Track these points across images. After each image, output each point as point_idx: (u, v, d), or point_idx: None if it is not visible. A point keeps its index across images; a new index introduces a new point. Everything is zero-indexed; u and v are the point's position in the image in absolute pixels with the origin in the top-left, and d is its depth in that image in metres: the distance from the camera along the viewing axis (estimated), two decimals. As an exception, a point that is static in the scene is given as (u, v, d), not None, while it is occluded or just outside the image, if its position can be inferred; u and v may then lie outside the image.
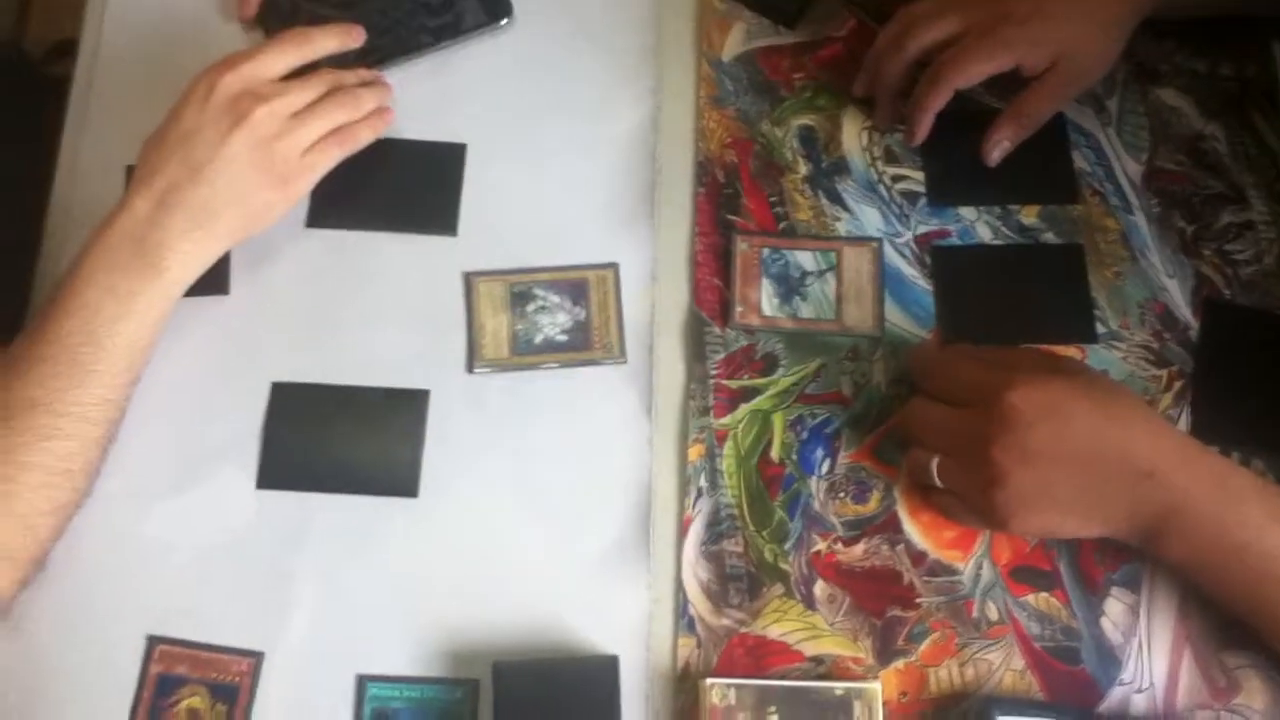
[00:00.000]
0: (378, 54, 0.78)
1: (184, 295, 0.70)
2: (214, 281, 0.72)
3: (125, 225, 0.67)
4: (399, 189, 0.76)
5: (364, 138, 0.74)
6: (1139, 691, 0.64)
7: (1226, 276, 0.74)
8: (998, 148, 0.75)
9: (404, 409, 0.71)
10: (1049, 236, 0.75)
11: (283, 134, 0.70)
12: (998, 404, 0.62)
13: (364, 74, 0.76)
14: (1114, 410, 0.62)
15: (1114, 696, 0.64)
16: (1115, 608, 0.66)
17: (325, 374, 0.72)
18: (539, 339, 0.73)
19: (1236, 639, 0.64)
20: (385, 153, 0.76)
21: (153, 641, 0.67)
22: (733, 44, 0.80)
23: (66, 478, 0.65)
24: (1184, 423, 0.70)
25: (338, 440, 0.71)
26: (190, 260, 0.68)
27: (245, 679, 0.66)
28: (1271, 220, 0.75)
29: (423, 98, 0.78)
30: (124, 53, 0.81)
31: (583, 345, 0.73)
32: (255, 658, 0.66)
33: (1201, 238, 0.75)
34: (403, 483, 0.70)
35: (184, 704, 0.66)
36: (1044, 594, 0.67)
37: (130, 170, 0.75)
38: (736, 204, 0.76)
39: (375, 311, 0.74)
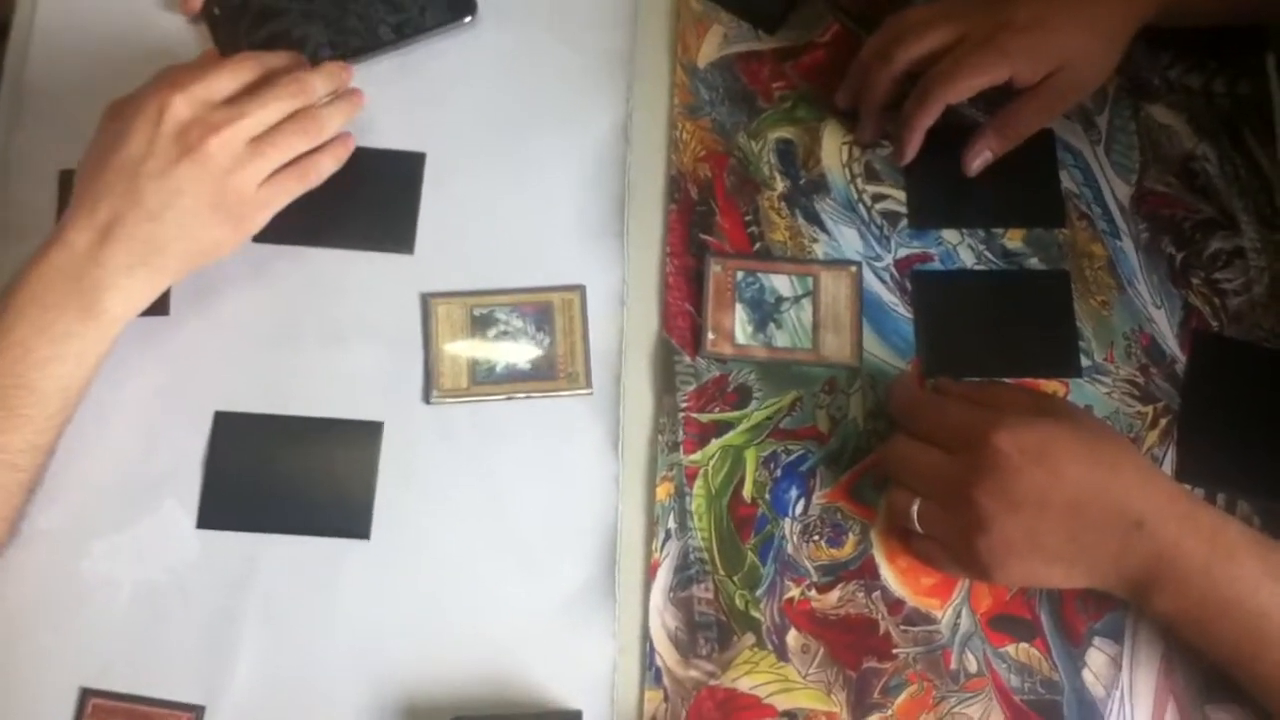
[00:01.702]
0: (335, 51, 0.73)
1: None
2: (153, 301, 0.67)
3: (61, 260, 0.61)
4: (352, 202, 0.71)
5: (325, 169, 0.68)
6: (1121, 747, 0.63)
7: (1215, 307, 0.71)
8: (979, 158, 0.71)
9: (356, 442, 0.67)
10: (1034, 262, 0.72)
11: (236, 167, 0.64)
12: (983, 447, 0.59)
13: (332, 70, 0.69)
14: (1103, 455, 0.60)
15: (1095, 752, 0.63)
16: (1097, 659, 0.64)
17: (272, 403, 0.68)
18: (501, 367, 0.69)
19: (1221, 692, 0.62)
20: None
21: (86, 694, 0.63)
22: (709, 49, 0.76)
23: None
24: (1169, 462, 0.68)
25: (285, 475, 0.67)
26: (131, 299, 0.63)
27: (186, 731, 0.62)
28: (1262, 247, 0.73)
29: (381, 102, 0.72)
30: (60, 42, 0.75)
31: (547, 375, 0.69)
32: (196, 712, 0.63)
33: (1190, 265, 0.72)
34: (354, 523, 0.66)
35: (128, 762, 0.62)
36: (1024, 644, 0.64)
37: (65, 175, 0.70)
38: (710, 222, 0.72)
39: (326, 335, 0.69)
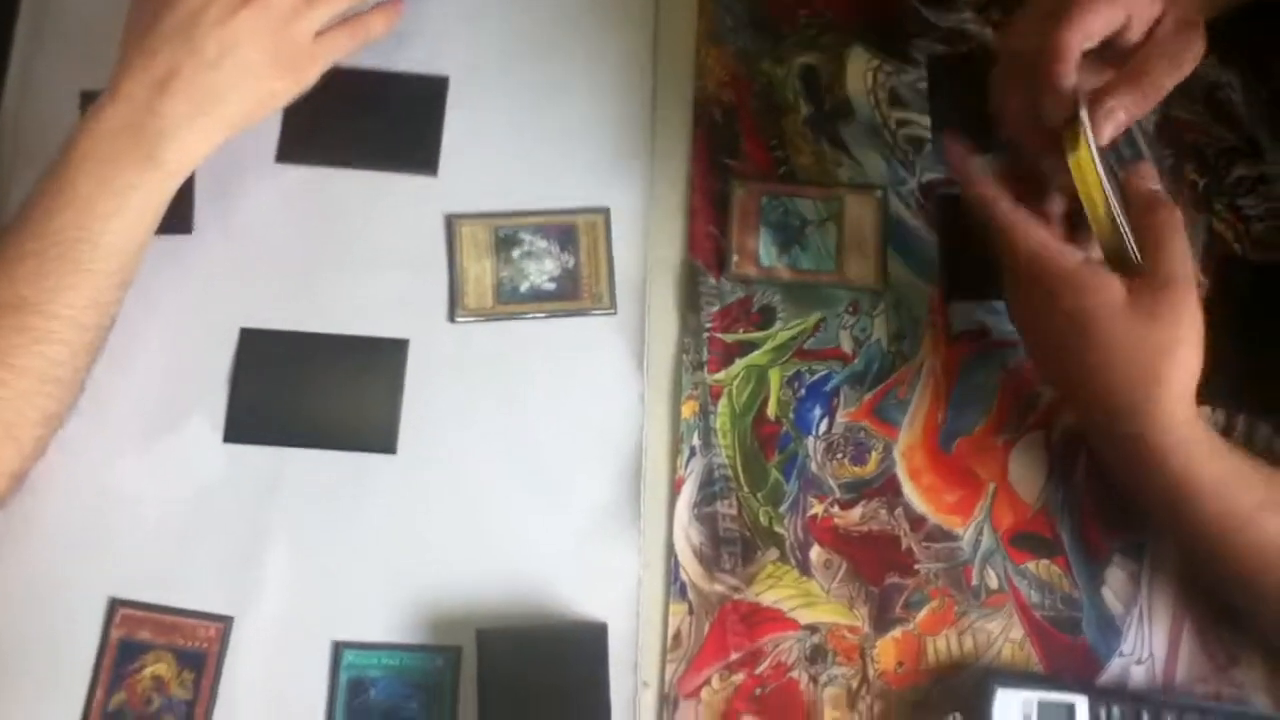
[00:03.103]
0: None
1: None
2: (176, 219, 0.67)
3: (121, 113, 0.61)
4: (377, 123, 0.71)
5: (376, 30, 0.68)
6: (1138, 663, 0.63)
7: (1238, 232, 0.71)
8: (1111, 120, 0.60)
9: (382, 359, 0.68)
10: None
11: (293, 17, 0.64)
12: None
13: None
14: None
15: (1113, 668, 0.63)
16: (1116, 577, 0.65)
17: (297, 320, 0.68)
18: (525, 287, 0.69)
19: (1237, 612, 0.63)
20: (363, 84, 0.71)
21: (115, 604, 0.63)
22: (733, -26, 0.76)
23: (57, 386, 0.60)
24: (1191, 385, 0.68)
25: (311, 392, 0.67)
26: (191, 150, 0.63)
27: (213, 645, 0.63)
28: (1285, 174, 0.73)
29: (405, 27, 0.72)
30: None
31: (571, 294, 0.69)
32: (224, 623, 0.63)
33: (1213, 191, 0.72)
34: (381, 438, 0.66)
35: (148, 671, 0.63)
36: (1045, 561, 0.65)
37: (86, 96, 0.70)
38: (734, 146, 0.72)
39: (350, 254, 0.70)
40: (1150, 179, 0.63)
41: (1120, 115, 0.60)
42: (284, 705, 0.63)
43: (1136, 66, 0.61)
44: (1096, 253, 0.61)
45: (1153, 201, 0.61)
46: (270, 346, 0.68)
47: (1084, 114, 0.59)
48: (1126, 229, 0.60)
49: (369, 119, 0.71)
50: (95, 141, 0.61)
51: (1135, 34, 0.62)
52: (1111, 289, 0.58)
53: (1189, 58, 0.62)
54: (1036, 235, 0.60)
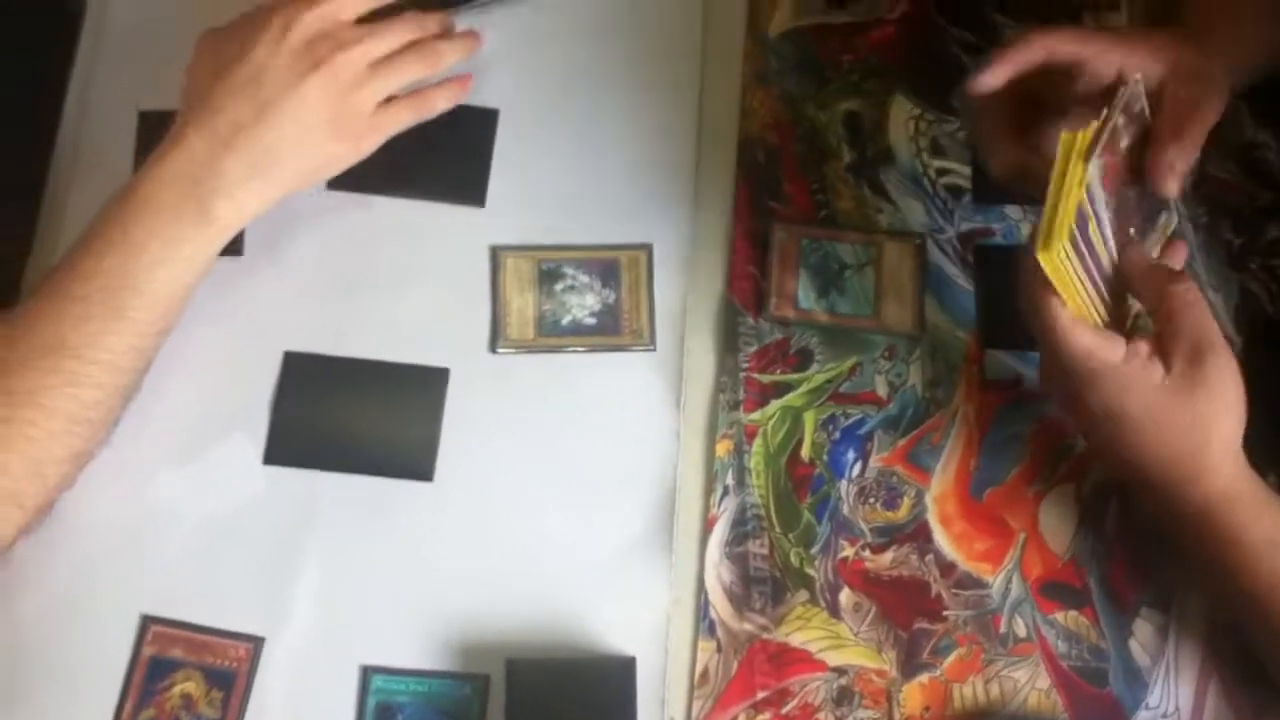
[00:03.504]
0: (417, 4, 0.74)
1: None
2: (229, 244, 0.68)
3: (180, 165, 0.62)
4: (427, 154, 0.72)
5: (439, 106, 0.69)
6: (1164, 716, 0.63)
7: (1271, 292, 0.72)
8: (1171, 176, 0.61)
9: (422, 387, 0.68)
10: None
11: (359, 85, 0.65)
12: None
13: (446, 20, 0.71)
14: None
15: (1139, 721, 0.63)
16: (1144, 629, 0.65)
17: (340, 345, 0.69)
18: (566, 320, 0.70)
19: (1265, 667, 0.63)
20: None
21: (147, 621, 0.64)
22: (781, 19, 0.77)
23: (87, 426, 0.61)
24: (1222, 443, 0.69)
25: (351, 416, 0.68)
26: (244, 209, 0.64)
27: (243, 665, 0.63)
28: (1320, 236, 0.73)
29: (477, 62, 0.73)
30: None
31: (612, 330, 0.70)
32: (255, 643, 0.64)
33: (1248, 251, 0.73)
34: (418, 465, 0.67)
35: (177, 689, 0.63)
36: (1073, 612, 0.65)
37: (145, 117, 0.71)
38: (777, 189, 0.73)
39: (396, 282, 0.71)
40: (1179, 252, 0.63)
41: (1178, 167, 0.61)
42: (311, 727, 0.63)
43: (1167, 119, 0.62)
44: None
45: (1160, 277, 0.60)
46: (312, 370, 0.68)
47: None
48: (1104, 301, 0.60)
49: (419, 149, 0.72)
50: (153, 188, 0.62)
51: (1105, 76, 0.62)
52: (1153, 376, 0.58)
53: (1210, 115, 0.62)
54: (1083, 338, 0.58)
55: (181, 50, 0.67)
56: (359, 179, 0.71)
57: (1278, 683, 0.62)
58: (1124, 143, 0.60)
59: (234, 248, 0.69)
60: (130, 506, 0.66)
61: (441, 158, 0.72)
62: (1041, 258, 0.55)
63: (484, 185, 0.72)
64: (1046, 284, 0.57)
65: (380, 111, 0.67)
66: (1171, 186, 0.61)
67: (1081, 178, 0.55)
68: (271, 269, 0.70)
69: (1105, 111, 0.57)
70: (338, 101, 0.64)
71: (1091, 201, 0.56)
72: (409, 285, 0.70)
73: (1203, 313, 0.59)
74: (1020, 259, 0.60)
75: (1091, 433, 0.61)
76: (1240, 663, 0.64)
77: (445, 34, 0.71)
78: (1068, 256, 0.55)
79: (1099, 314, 0.60)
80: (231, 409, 0.68)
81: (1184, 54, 0.63)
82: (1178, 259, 0.63)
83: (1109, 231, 0.59)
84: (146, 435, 0.67)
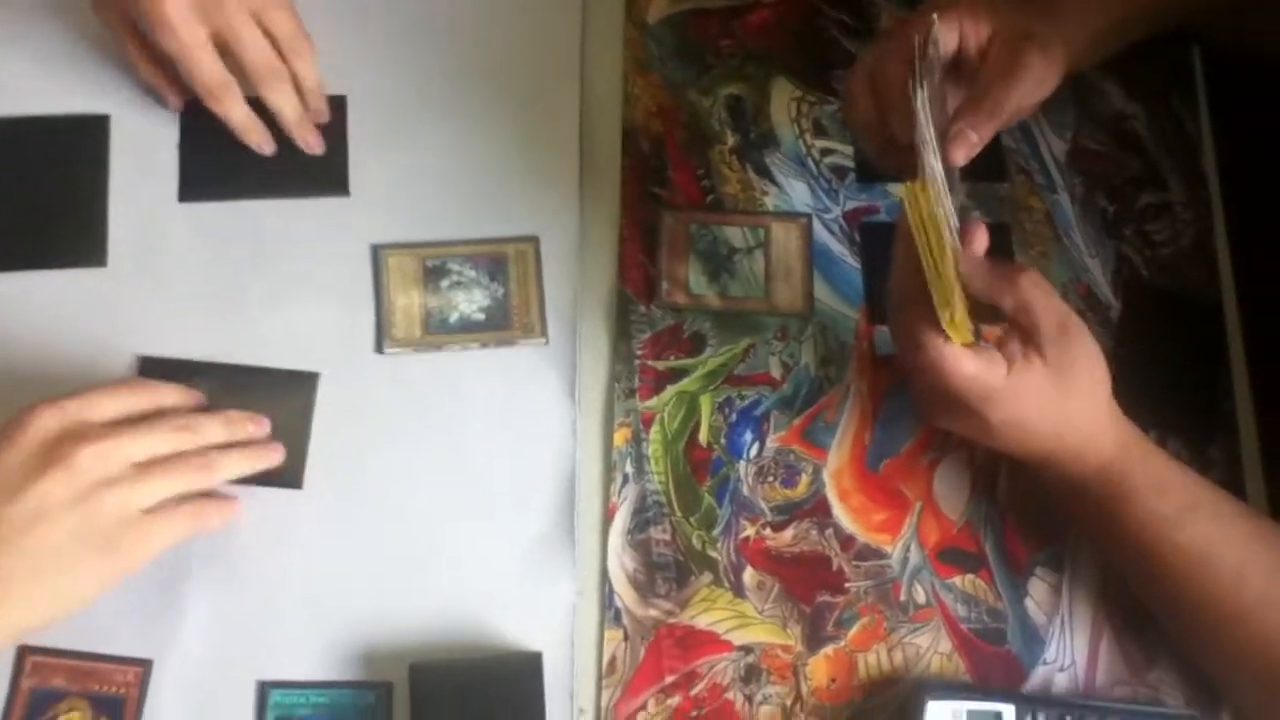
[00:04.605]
0: None
1: (58, 267, 0.65)
2: (90, 251, 0.67)
3: None
4: (280, 150, 0.70)
5: (213, 524, 0.60)
6: (1061, 670, 0.65)
7: (1145, 257, 0.74)
8: (961, 142, 0.60)
9: (289, 393, 0.67)
10: (976, 214, 0.74)
11: (115, 483, 0.55)
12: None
13: (234, 419, 0.62)
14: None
15: (1037, 675, 0.65)
16: (1039, 588, 0.67)
17: (208, 352, 0.67)
18: (454, 318, 0.69)
19: (1152, 618, 0.65)
20: (254, 110, 0.69)
21: (23, 651, 0.61)
22: (659, 5, 0.77)
23: None
24: (1105, 404, 0.71)
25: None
26: None
27: (133, 690, 0.61)
28: (1188, 202, 0.76)
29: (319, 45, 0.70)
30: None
31: (502, 324, 0.69)
32: (143, 666, 0.62)
33: (1122, 218, 0.75)
34: (286, 473, 0.65)
35: (61, 719, 0.61)
36: (970, 575, 0.67)
37: None
38: (663, 176, 0.74)
39: (273, 288, 0.69)
40: (980, 239, 0.61)
41: (970, 136, 0.60)
42: (210, 748, 0.62)
43: (975, 89, 0.63)
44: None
45: (1002, 275, 0.59)
46: (167, 375, 0.65)
47: (926, 155, 0.56)
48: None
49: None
50: None
51: (972, 53, 0.63)
52: (1035, 371, 0.58)
53: (1023, 75, 0.62)
54: (967, 366, 0.58)
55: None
56: (211, 188, 0.69)
57: (1166, 631, 0.64)
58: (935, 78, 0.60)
59: (97, 259, 0.67)
60: None
61: (296, 151, 0.70)
62: (950, 329, 0.56)
63: (344, 172, 0.70)
64: (922, 319, 0.57)
65: (151, 514, 0.56)
66: (958, 155, 0.60)
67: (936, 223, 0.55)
68: (137, 281, 0.68)
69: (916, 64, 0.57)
70: (87, 506, 0.54)
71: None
72: (286, 290, 0.69)
73: (1052, 293, 0.59)
74: (893, 285, 0.61)
75: (995, 441, 0.61)
76: (1131, 615, 0.66)
77: (233, 433, 0.62)
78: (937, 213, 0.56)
79: (963, 305, 0.59)
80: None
81: (1019, 16, 0.64)
82: (980, 242, 0.60)
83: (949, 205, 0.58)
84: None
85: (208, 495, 0.61)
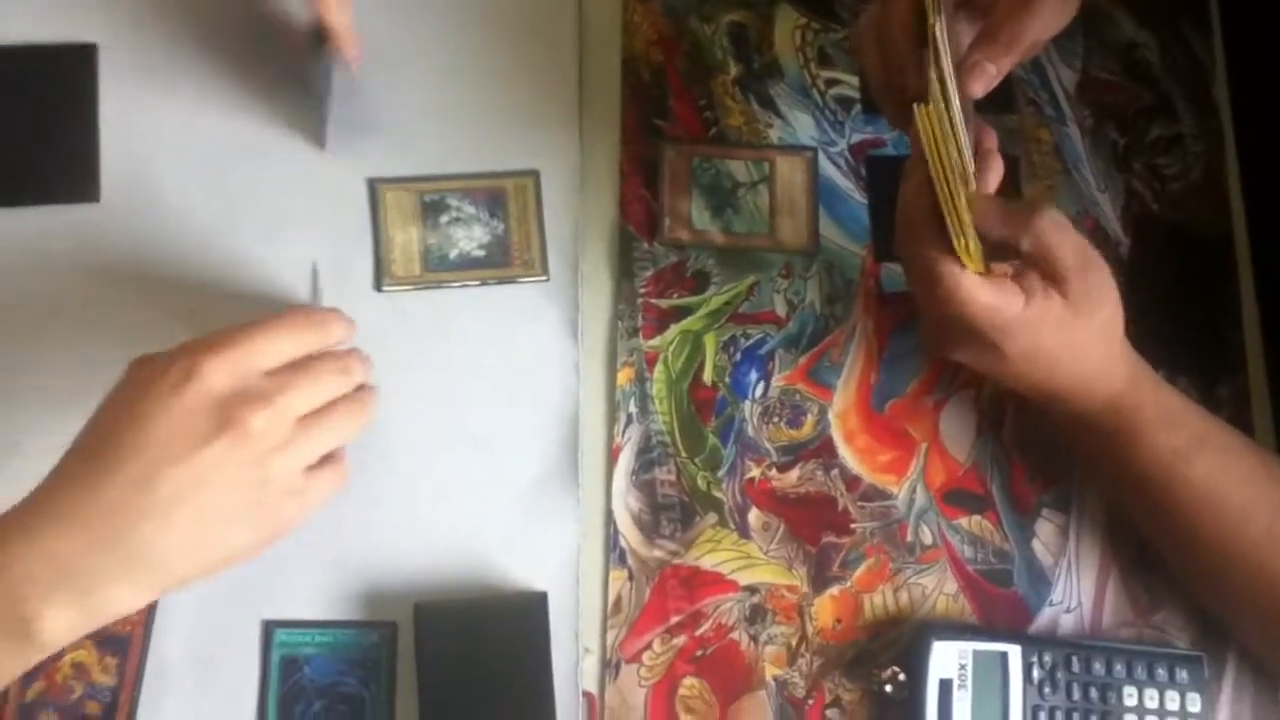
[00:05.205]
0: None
1: (49, 203, 0.63)
2: (83, 186, 0.64)
3: (16, 555, 0.47)
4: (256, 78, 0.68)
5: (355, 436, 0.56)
6: (1067, 611, 0.65)
7: (1155, 191, 0.73)
8: (978, 74, 0.59)
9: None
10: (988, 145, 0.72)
11: (281, 448, 0.51)
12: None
13: (362, 354, 0.58)
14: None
15: (1044, 617, 0.65)
16: (1046, 529, 0.66)
17: (212, 296, 0.65)
18: (454, 254, 0.67)
19: (1158, 558, 0.65)
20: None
21: (31, 591, 0.60)
22: (659, -71, 0.74)
23: None
24: (1112, 341, 0.70)
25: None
26: (79, 627, 0.48)
27: (137, 629, 0.61)
28: (1199, 135, 0.74)
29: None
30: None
31: (502, 262, 0.67)
32: (148, 605, 0.61)
33: (1132, 151, 0.74)
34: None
35: (67, 659, 0.60)
36: (976, 517, 0.66)
37: None
38: (663, 107, 0.71)
39: (269, 226, 0.67)
40: (996, 171, 0.60)
41: (989, 68, 0.59)
42: (214, 687, 0.61)
43: (992, 21, 0.60)
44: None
45: (1020, 214, 0.57)
46: None
47: (944, 82, 0.54)
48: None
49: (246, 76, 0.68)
50: None
51: None
52: (1055, 305, 0.57)
53: (1040, 5, 0.60)
54: (984, 295, 0.56)
55: None
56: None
57: (1171, 569, 0.64)
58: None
59: (90, 193, 0.65)
60: (2, 473, 0.62)
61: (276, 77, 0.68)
62: (965, 257, 0.55)
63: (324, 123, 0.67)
64: (936, 248, 0.56)
65: (307, 484, 0.53)
66: (975, 87, 0.59)
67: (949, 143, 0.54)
68: (131, 218, 0.66)
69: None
70: (254, 473, 0.50)
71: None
72: (283, 227, 0.67)
73: (1070, 229, 0.58)
74: (902, 216, 0.59)
75: (1007, 374, 0.60)
76: (1137, 556, 0.66)
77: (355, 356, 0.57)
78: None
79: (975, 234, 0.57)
80: (99, 364, 0.64)
81: None
82: (995, 174, 0.60)
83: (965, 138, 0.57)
84: (15, 400, 0.63)
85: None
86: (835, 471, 0.66)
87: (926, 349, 0.67)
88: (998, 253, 0.58)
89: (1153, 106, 0.74)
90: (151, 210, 0.66)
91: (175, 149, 0.68)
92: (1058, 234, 0.57)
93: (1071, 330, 0.58)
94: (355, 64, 0.64)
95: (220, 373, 0.50)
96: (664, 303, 0.68)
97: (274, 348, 0.53)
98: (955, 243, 0.55)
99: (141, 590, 0.50)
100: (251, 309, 0.64)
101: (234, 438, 0.50)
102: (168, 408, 0.49)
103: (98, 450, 0.50)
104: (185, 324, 0.63)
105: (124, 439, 0.49)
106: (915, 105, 0.54)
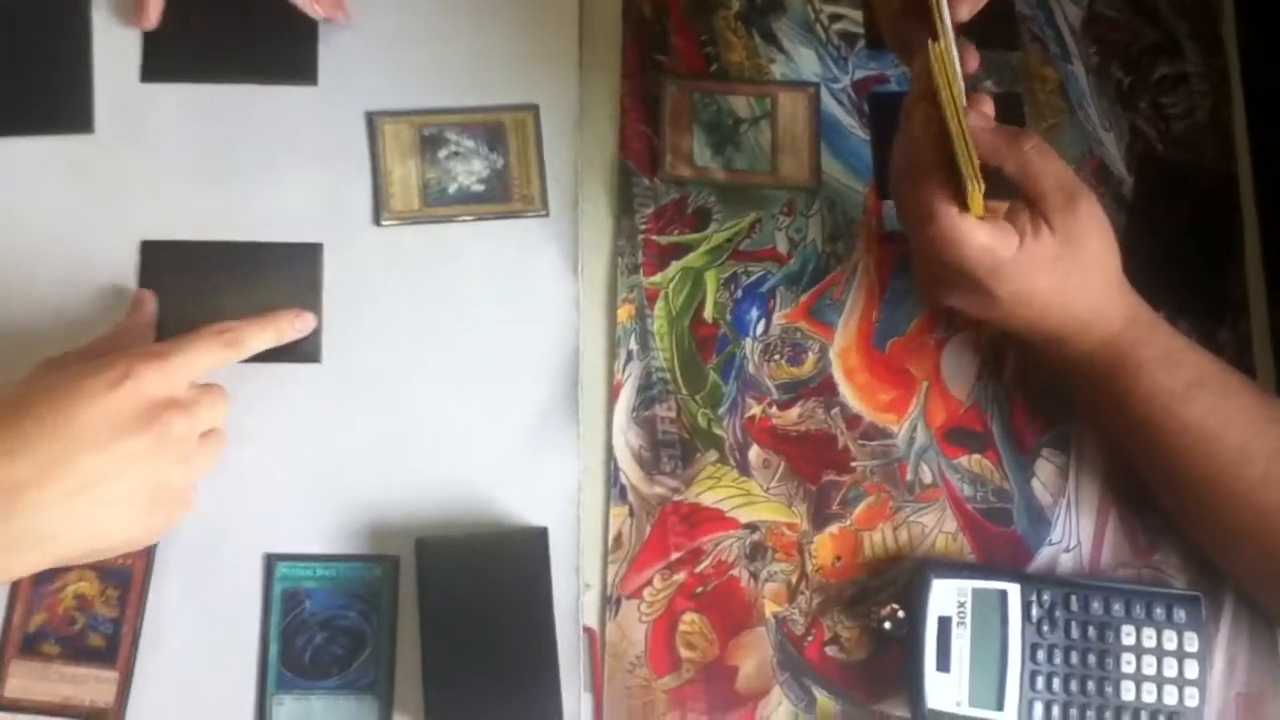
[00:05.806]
0: None
1: (42, 133, 0.62)
2: (76, 116, 0.63)
3: None
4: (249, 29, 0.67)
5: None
6: (1066, 551, 0.65)
7: (1160, 131, 0.72)
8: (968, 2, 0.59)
9: (295, 265, 0.65)
10: (988, 85, 0.72)
11: (190, 453, 0.56)
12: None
13: (281, 323, 0.62)
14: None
15: (1043, 556, 0.65)
16: (1045, 469, 0.66)
17: (209, 231, 0.65)
18: (453, 189, 0.67)
19: (1156, 500, 0.65)
20: None
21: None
22: None
23: None
24: (1115, 281, 0.69)
25: (223, 305, 0.64)
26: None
27: (138, 561, 0.61)
28: (1205, 73, 0.74)
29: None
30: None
31: (501, 197, 0.67)
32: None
33: (1137, 90, 0.73)
34: (303, 347, 0.64)
35: (69, 590, 0.61)
36: (976, 456, 0.66)
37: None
38: (664, 42, 0.70)
39: (265, 159, 0.66)
40: (987, 108, 0.60)
41: None
42: (216, 619, 0.61)
43: None
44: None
45: (1007, 136, 0.58)
46: (175, 259, 0.64)
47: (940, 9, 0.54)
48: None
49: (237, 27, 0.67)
50: None
51: None
52: (1045, 241, 0.57)
53: None
54: (979, 236, 0.56)
55: None
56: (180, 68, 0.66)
57: (1167, 510, 0.64)
58: None
59: (84, 124, 0.64)
60: None
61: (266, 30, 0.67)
62: (973, 201, 0.54)
63: (313, 59, 0.67)
64: (935, 189, 0.55)
65: (189, 490, 0.58)
66: (962, 9, 0.58)
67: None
68: (127, 150, 0.65)
69: None
70: (160, 473, 0.55)
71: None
72: (281, 161, 0.66)
73: (1057, 159, 0.58)
74: (901, 154, 0.58)
75: (1001, 317, 0.60)
76: (1137, 497, 0.66)
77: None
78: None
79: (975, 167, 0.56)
80: (95, 304, 0.63)
81: None
82: (985, 109, 0.60)
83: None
84: (9, 334, 0.62)
85: None
86: (836, 410, 0.66)
87: (920, 297, 0.67)
88: (993, 190, 0.57)
89: (1159, 44, 0.74)
90: (146, 142, 0.65)
91: (167, 96, 0.66)
92: (1040, 159, 0.57)
93: (1063, 267, 0.57)
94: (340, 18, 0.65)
95: (158, 382, 0.55)
96: (664, 239, 0.68)
97: (201, 363, 0.57)
98: (968, 186, 0.54)
99: (21, 564, 0.53)
100: (250, 236, 0.64)
101: (155, 436, 0.54)
102: (100, 400, 0.53)
103: (14, 427, 0.52)
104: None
105: (45, 422, 0.52)
106: (930, 42, 0.53)
